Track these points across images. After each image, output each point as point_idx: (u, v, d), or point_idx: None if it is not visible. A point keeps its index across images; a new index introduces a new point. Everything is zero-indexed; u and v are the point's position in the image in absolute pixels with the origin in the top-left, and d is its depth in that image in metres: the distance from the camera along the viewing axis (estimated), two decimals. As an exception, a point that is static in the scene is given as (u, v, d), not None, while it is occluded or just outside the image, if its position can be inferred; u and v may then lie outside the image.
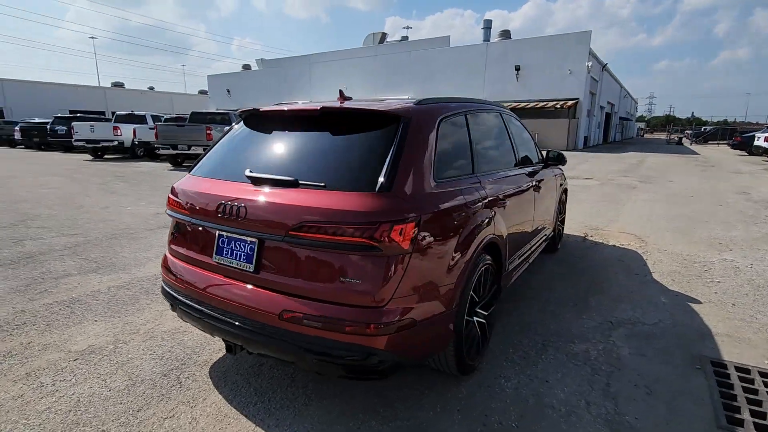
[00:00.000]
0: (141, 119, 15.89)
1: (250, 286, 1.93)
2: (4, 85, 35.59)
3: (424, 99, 2.30)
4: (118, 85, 49.55)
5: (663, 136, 50.45)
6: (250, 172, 2.01)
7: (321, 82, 32.67)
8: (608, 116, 36.46)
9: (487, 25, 31.29)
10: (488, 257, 2.40)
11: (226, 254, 2.02)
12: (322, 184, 1.83)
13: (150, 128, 14.59)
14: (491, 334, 2.65)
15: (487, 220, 2.37)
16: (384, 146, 1.92)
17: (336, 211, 1.72)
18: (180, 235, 2.29)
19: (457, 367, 2.21)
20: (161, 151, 12.82)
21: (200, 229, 2.14)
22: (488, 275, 2.45)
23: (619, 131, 44.92)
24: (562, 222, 4.95)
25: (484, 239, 2.27)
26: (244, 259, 1.95)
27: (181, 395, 2.19)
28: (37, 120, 22.33)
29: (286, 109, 2.22)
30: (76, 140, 15.73)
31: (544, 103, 24.20)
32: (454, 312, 2.04)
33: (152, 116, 16.25)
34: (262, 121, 2.36)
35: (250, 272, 1.92)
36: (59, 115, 20.06)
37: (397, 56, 29.72)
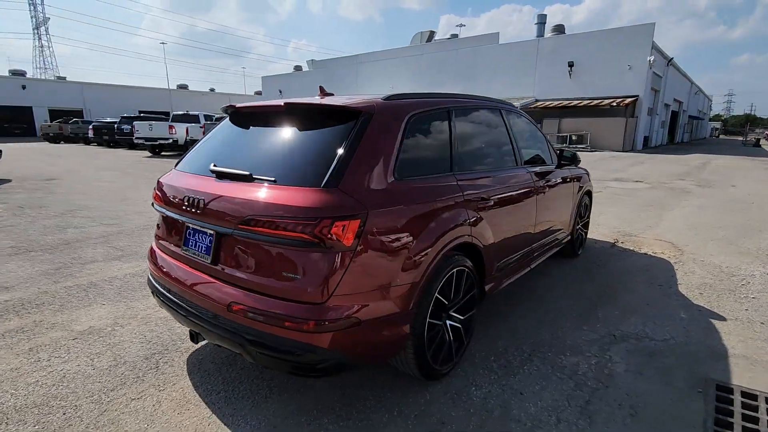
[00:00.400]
0: (194, 119, 16.85)
1: (207, 277, 1.99)
2: (83, 88, 39.24)
3: (397, 94, 2.25)
4: (182, 87, 52.97)
5: (741, 137, 46.05)
6: (214, 166, 2.07)
7: (368, 82, 33.01)
8: (674, 115, 33.81)
9: (542, 20, 30.02)
10: (463, 259, 2.30)
11: (191, 245, 2.09)
12: (273, 179, 1.84)
13: (200, 127, 15.46)
14: (470, 339, 2.54)
15: (462, 221, 2.27)
16: (338, 142, 1.90)
17: (279, 206, 1.73)
18: (161, 226, 2.40)
19: (419, 370, 2.14)
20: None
21: (174, 221, 2.23)
22: (464, 278, 2.35)
23: (688, 131, 41.50)
24: (585, 226, 4.65)
25: (453, 240, 2.18)
26: (204, 250, 2.01)
27: (154, 378, 2.30)
28: (107, 119, 24.41)
29: (256, 105, 2.26)
30: (136, 138, 17.04)
31: (599, 100, 22.87)
32: (411, 314, 1.98)
33: (204, 116, 17.18)
34: (240, 117, 2.42)
35: (208, 263, 1.98)
36: (125, 114, 21.79)
37: (444, 54, 29.37)
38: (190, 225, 2.09)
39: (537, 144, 3.64)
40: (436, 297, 2.14)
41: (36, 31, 64.42)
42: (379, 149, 1.96)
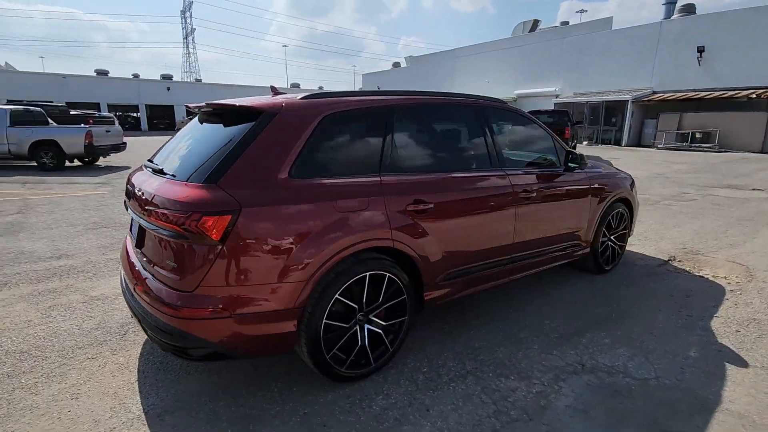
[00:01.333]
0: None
1: (134, 262, 2.24)
2: (213, 88, 44.96)
3: (318, 93, 2.25)
4: (295, 85, 57.58)
5: None
6: (149, 162, 2.30)
7: (464, 77, 32.25)
8: None
9: (670, 0, 26.20)
10: (384, 264, 2.22)
11: (133, 234, 2.36)
12: (173, 175, 2.00)
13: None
14: (398, 347, 2.43)
15: (379, 223, 2.19)
16: (235, 140, 1.98)
17: (165, 200, 1.88)
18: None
19: (316, 368, 2.14)
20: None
21: (130, 212, 2.53)
22: (384, 283, 2.26)
23: None
24: (621, 238, 4.05)
25: (360, 243, 2.12)
26: (136, 238, 2.26)
27: (115, 344, 2.65)
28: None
29: (197, 105, 2.45)
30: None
31: (734, 92, 19.26)
32: (297, 312, 1.99)
33: None
34: (193, 117, 2.64)
35: (135, 249, 2.22)
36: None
37: (548, 44, 27.33)
38: (131, 213, 2.36)
39: (538, 146, 3.29)
40: (341, 300, 2.11)
41: (185, 41, 75.25)
42: (275, 148, 1.99)
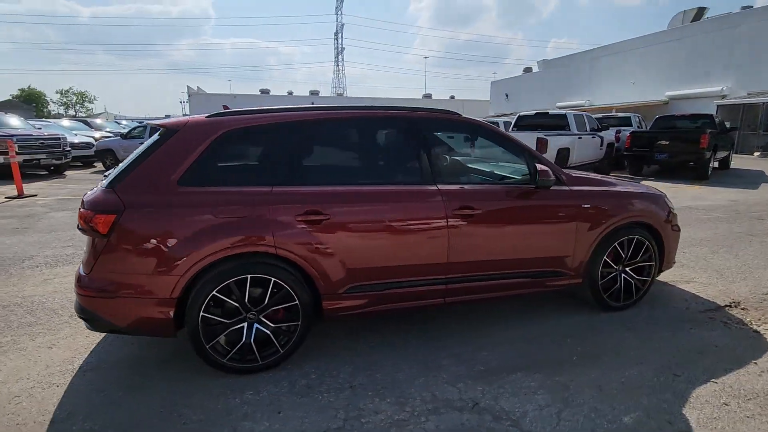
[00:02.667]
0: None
1: None
2: (352, 101, 49.10)
3: (225, 112, 2.55)
4: (427, 96, 59.10)
5: None
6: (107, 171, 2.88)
7: (604, 79, 28.92)
8: None
9: None
10: (268, 268, 2.39)
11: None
12: (109, 182, 2.48)
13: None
14: (290, 349, 2.54)
15: (261, 231, 2.36)
16: (144, 153, 2.39)
17: (82, 200, 2.37)
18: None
19: (198, 355, 2.40)
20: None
21: None
22: (270, 288, 2.42)
23: None
24: (639, 271, 3.37)
25: (236, 248, 2.31)
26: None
27: (75, 320, 3.22)
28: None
29: (153, 122, 2.95)
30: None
31: None
32: (174, 301, 2.29)
33: None
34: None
35: None
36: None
37: (715, 36, 22.78)
38: None
39: (500, 160, 3.01)
40: (219, 296, 2.34)
41: (336, 59, 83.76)
42: (169, 160, 2.34)
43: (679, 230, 3.59)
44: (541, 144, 8.97)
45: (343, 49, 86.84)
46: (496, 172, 3.35)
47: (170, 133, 2.41)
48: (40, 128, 12.94)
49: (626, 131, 12.47)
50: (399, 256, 2.68)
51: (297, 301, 2.49)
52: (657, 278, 3.90)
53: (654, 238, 3.35)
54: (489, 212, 2.85)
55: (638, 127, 14.66)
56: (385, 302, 2.71)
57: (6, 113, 12.65)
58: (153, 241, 2.26)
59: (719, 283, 3.94)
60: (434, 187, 2.74)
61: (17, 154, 9.86)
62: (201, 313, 2.33)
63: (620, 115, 15.65)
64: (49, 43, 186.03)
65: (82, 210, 2.31)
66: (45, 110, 74.33)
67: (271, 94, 50.73)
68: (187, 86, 45.71)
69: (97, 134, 15.56)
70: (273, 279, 2.42)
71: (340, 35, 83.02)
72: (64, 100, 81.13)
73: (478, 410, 2.20)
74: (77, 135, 13.99)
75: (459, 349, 2.81)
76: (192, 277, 2.29)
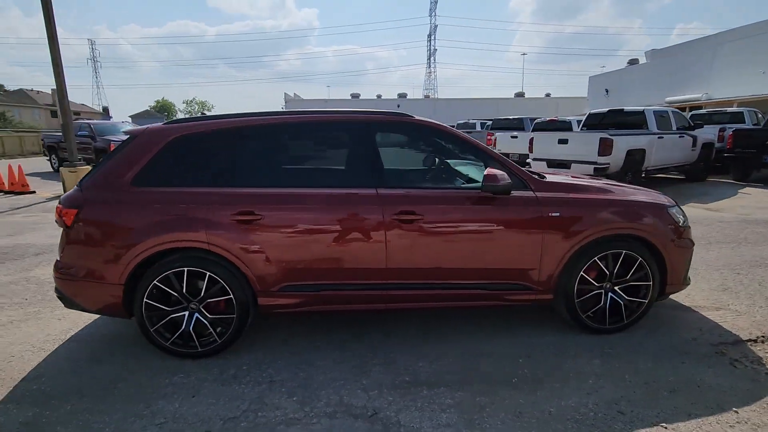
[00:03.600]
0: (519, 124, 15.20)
1: None
2: (435, 102, 48.84)
3: (178, 119, 2.81)
4: (519, 95, 56.24)
5: None
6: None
7: (728, 69, 24.91)
8: None
9: None
10: (200, 262, 2.59)
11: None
12: (80, 181, 2.88)
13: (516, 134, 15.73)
14: (228, 338, 2.70)
15: (193, 227, 2.56)
16: (109, 155, 2.75)
17: (62, 197, 2.80)
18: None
19: (144, 337, 2.68)
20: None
21: None
22: (206, 281, 2.62)
23: None
24: (632, 291, 2.93)
25: (170, 243, 2.55)
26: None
27: None
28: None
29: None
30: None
31: None
32: (122, 287, 2.59)
33: (531, 120, 16.46)
34: None
35: None
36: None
37: None
38: None
39: (456, 164, 2.86)
40: (159, 286, 2.60)
41: (428, 61, 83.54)
42: (126, 163, 2.66)
43: (691, 246, 3.05)
44: (605, 145, 8.10)
45: (435, 50, 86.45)
46: (470, 176, 3.18)
47: (131, 138, 2.74)
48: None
49: (733, 128, 10.60)
50: (333, 258, 2.70)
51: (231, 295, 2.65)
52: (682, 301, 3.37)
53: (652, 255, 2.89)
54: (434, 218, 2.73)
55: (754, 124, 12.35)
56: (320, 303, 2.75)
57: (128, 122, 15.00)
58: (104, 233, 2.60)
59: (759, 312, 3.25)
60: (372, 191, 2.70)
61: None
62: (144, 300, 2.61)
63: (730, 110, 13.30)
64: (182, 60, 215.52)
65: (58, 205, 2.73)
66: (174, 118, 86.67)
67: (360, 98, 52.66)
68: (285, 93, 49.46)
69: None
70: (208, 273, 2.61)
71: (433, 37, 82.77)
72: (189, 108, 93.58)
73: (373, 420, 2.14)
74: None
75: (400, 357, 2.74)
76: (135, 266, 2.58)
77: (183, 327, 2.68)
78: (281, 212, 2.66)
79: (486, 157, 2.88)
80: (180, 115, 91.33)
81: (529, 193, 2.81)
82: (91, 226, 2.62)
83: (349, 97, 52.94)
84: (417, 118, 2.93)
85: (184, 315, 2.68)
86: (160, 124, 2.84)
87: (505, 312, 3.30)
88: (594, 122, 10.52)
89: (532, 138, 9.68)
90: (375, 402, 2.29)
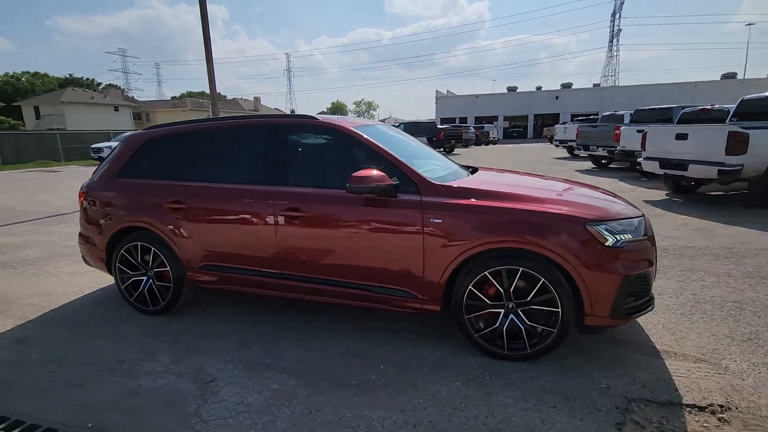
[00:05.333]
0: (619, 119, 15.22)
1: None
2: (602, 91, 42.98)
3: (154, 125, 3.56)
4: (729, 76, 44.84)
5: None
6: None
7: None
8: None
9: None
10: (147, 239, 3.30)
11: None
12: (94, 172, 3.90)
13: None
14: (164, 306, 3.38)
15: (140, 210, 3.30)
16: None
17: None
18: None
19: (119, 292, 3.54)
20: (576, 152, 12.94)
21: None
22: (151, 256, 3.32)
23: None
24: (534, 317, 2.50)
25: (127, 222, 3.32)
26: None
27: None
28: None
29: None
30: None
31: None
32: (104, 253, 3.50)
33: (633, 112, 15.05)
34: None
35: None
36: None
37: None
38: None
39: (350, 166, 2.88)
40: (126, 256, 3.41)
41: (610, 44, 71.97)
42: (116, 160, 3.54)
43: (633, 270, 2.41)
44: (736, 141, 6.25)
45: (619, 30, 75.38)
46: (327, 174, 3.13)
47: (124, 141, 3.61)
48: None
49: None
50: (234, 245, 3.09)
51: (168, 268, 3.29)
52: (665, 341, 2.76)
53: (564, 276, 2.42)
54: (317, 215, 2.85)
55: None
56: (230, 283, 3.18)
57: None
58: (96, 212, 3.53)
59: (753, 377, 2.35)
60: (267, 188, 2.98)
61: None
62: (116, 263, 3.46)
63: None
64: (359, 65, 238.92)
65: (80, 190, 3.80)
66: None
67: (517, 91, 50.06)
68: (436, 90, 50.50)
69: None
70: (152, 249, 3.31)
71: (617, 15, 72.01)
72: (357, 108, 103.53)
73: (205, 386, 2.46)
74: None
75: (287, 344, 2.94)
76: (110, 237, 3.44)
77: (140, 288, 3.45)
78: (198, 202, 3.17)
79: (378, 159, 2.83)
80: (350, 115, 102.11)
81: (416, 197, 2.67)
82: (91, 206, 3.58)
83: (506, 91, 50.87)
84: (320, 119, 3.06)
85: (142, 279, 3.44)
86: (142, 130, 3.66)
87: (421, 322, 3.14)
88: (751, 110, 8.00)
89: (645, 133, 8.01)
90: (222, 373, 2.60)
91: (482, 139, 31.93)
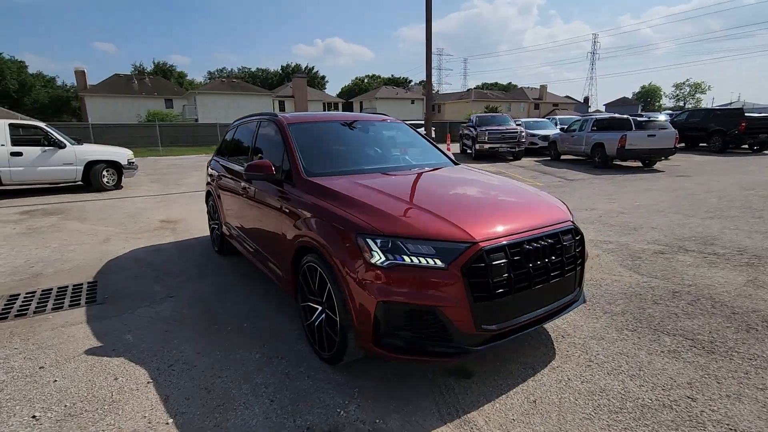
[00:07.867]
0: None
1: None
2: None
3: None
4: None
5: None
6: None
7: None
8: None
9: None
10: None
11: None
12: None
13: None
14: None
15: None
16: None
17: None
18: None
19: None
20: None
21: None
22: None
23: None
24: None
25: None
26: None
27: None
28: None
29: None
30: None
31: None
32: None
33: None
34: None
35: None
36: None
37: None
38: None
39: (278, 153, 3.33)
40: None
41: None
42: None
43: (385, 297, 1.96)
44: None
45: None
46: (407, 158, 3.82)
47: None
48: (520, 124, 16.81)
49: None
50: (240, 215, 4.03)
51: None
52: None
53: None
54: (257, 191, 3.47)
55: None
56: (234, 241, 4.22)
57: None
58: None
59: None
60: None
61: (485, 143, 14.79)
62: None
63: None
64: (708, 34, 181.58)
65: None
66: (657, 104, 79.56)
67: None
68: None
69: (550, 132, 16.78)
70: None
71: None
72: (677, 92, 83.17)
73: (123, 343, 2.94)
74: (541, 131, 17.05)
75: (224, 308, 3.48)
76: None
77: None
78: (222, 178, 4.38)
79: (288, 151, 3.17)
80: (664, 101, 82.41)
81: (288, 187, 2.93)
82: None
83: None
84: (280, 115, 3.52)
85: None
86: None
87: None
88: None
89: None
90: (143, 333, 3.08)
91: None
